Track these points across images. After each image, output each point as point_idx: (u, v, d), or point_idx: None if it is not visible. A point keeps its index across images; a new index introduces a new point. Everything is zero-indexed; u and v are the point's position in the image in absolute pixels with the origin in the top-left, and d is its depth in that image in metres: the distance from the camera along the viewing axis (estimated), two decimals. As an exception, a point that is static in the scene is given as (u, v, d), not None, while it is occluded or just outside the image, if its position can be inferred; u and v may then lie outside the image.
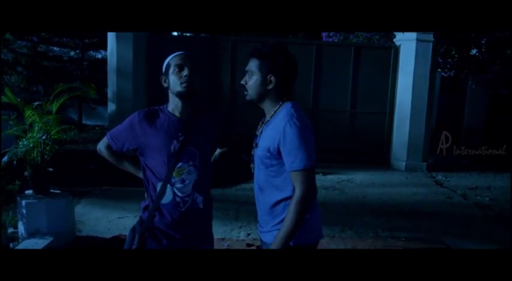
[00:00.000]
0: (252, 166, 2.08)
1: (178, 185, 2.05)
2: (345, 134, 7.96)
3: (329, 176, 6.85)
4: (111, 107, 7.39)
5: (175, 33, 11.65)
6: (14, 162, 3.77)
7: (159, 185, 2.05)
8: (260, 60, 1.92)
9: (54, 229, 3.78)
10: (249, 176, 2.15)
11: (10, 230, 3.96)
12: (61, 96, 4.03)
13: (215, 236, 2.31)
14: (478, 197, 6.15)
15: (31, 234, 3.73)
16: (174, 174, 2.03)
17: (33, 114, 3.85)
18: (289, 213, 1.83)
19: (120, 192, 5.55)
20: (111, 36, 7.23)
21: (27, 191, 3.95)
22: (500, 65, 10.35)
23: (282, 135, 1.84)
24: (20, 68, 9.71)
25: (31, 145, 3.76)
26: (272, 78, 1.92)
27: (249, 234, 4.36)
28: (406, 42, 7.60)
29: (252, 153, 2.05)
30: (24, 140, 3.79)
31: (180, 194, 2.05)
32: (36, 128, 3.83)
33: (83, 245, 3.93)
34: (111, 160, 2.25)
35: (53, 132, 3.90)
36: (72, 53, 10.51)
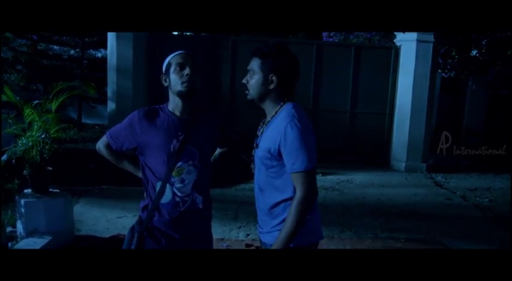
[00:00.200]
0: (252, 166, 2.07)
1: (178, 185, 2.04)
2: (345, 134, 7.95)
3: (328, 177, 6.85)
4: (111, 106, 7.38)
5: (175, 33, 11.65)
6: (13, 161, 3.76)
7: (158, 185, 2.04)
8: (262, 60, 1.91)
9: (53, 228, 3.77)
10: (248, 176, 2.15)
11: (9, 229, 3.95)
12: (61, 95, 4.02)
13: (214, 237, 2.31)
14: (478, 198, 6.14)
15: (30, 233, 3.72)
16: (173, 173, 2.02)
17: (32, 113, 3.83)
18: (290, 214, 1.82)
19: (119, 191, 5.54)
20: (111, 35, 7.22)
21: (26, 190, 3.94)
22: (500, 66, 10.34)
23: (282, 137, 1.83)
24: (19, 67, 9.69)
25: (30, 144, 3.75)
26: (274, 78, 1.91)
27: (248, 234, 4.35)
28: (407, 43, 7.59)
29: (253, 153, 2.04)
30: (23, 138, 3.78)
31: (179, 194, 2.04)
32: (36, 126, 3.82)
33: (82, 245, 3.92)
34: (110, 159, 2.24)
35: (52, 131, 3.89)
36: (72, 51, 10.50)
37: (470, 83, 10.47)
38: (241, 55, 7.52)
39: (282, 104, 1.94)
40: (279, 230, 1.87)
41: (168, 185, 2.03)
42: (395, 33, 7.94)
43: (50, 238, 3.68)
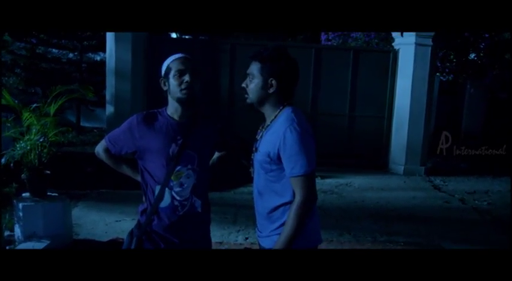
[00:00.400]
0: (251, 170, 2.06)
1: (177, 189, 2.03)
2: (344, 137, 7.95)
3: (327, 180, 6.84)
4: (110, 109, 7.37)
5: (174, 35, 11.68)
6: (11, 164, 3.75)
7: (157, 189, 2.03)
8: (261, 64, 1.91)
9: (51, 232, 3.76)
10: (247, 180, 2.14)
11: (6, 233, 3.94)
12: (59, 99, 4.02)
13: (213, 240, 2.30)
14: (476, 201, 6.15)
15: (28, 237, 3.71)
16: (172, 177, 2.02)
17: (30, 117, 3.83)
18: (290, 219, 1.82)
19: (117, 195, 5.52)
20: (110, 38, 7.21)
21: (24, 194, 3.93)
22: (498, 70, 10.37)
23: (282, 141, 1.83)
24: (18, 70, 9.68)
25: (28, 147, 3.74)
26: (273, 82, 1.91)
27: (247, 238, 4.35)
28: (405, 46, 7.60)
29: (252, 157, 2.04)
30: (21, 142, 3.77)
31: (178, 198, 2.04)
32: (34, 130, 3.81)
33: (80, 249, 3.90)
34: (109, 163, 2.23)
35: (50, 135, 3.88)
36: (70, 55, 10.49)
37: (468, 86, 10.50)
38: (240, 58, 7.53)
39: (281, 108, 1.94)
40: (278, 234, 1.87)
41: (166, 189, 2.02)
42: (394, 36, 7.96)
43: (48, 241, 3.67)
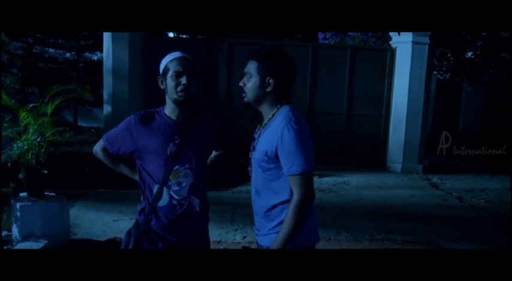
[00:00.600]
0: (249, 169, 2.06)
1: (175, 188, 2.03)
2: (341, 136, 7.95)
3: (325, 179, 6.85)
4: (107, 109, 7.36)
5: (171, 35, 11.65)
6: (8, 164, 3.75)
7: (155, 188, 2.03)
8: (259, 63, 1.91)
9: (49, 232, 3.76)
10: (245, 179, 2.14)
11: (4, 233, 3.93)
12: (56, 98, 4.01)
13: (211, 239, 2.30)
14: (474, 199, 6.16)
15: (25, 237, 3.71)
16: (170, 177, 2.02)
17: (28, 116, 3.82)
18: (288, 217, 1.82)
19: (115, 194, 5.52)
20: (107, 38, 7.20)
21: (21, 194, 3.92)
22: (495, 68, 10.39)
23: (279, 139, 1.83)
24: (15, 70, 9.64)
25: (26, 147, 3.73)
26: (271, 80, 1.91)
27: (245, 237, 4.35)
28: (402, 45, 7.61)
29: (250, 156, 2.04)
30: (18, 142, 3.76)
31: (176, 197, 2.04)
32: (31, 130, 3.80)
33: (78, 248, 3.90)
34: (107, 163, 2.23)
35: (47, 135, 3.87)
36: (67, 54, 10.45)
37: (465, 84, 10.52)
38: (237, 58, 7.52)
39: (279, 106, 1.94)
40: (276, 232, 1.87)
41: (165, 188, 2.02)
42: (391, 35, 7.97)
43: (46, 241, 3.67)
